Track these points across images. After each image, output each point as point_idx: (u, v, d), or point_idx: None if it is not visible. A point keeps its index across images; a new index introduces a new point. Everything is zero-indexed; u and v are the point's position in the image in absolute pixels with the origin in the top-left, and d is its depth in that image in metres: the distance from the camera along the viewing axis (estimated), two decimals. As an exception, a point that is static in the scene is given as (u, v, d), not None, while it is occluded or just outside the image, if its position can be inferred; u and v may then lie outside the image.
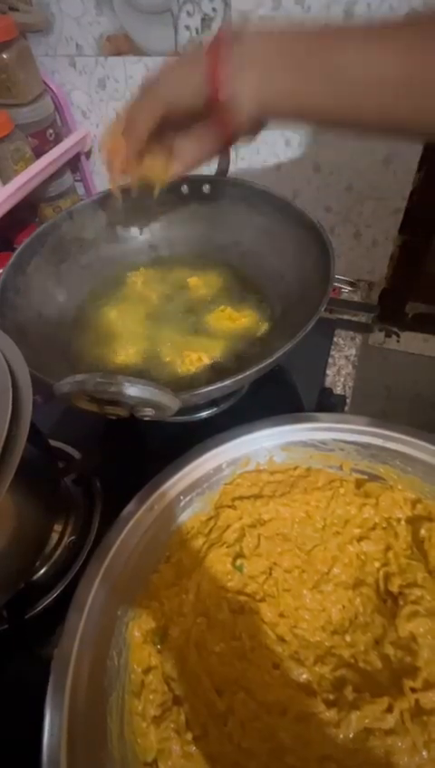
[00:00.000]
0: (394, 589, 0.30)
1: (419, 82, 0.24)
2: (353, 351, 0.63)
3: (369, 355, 0.81)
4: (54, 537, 0.40)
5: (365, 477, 0.36)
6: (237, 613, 0.31)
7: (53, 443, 0.47)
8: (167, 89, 0.30)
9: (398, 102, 0.24)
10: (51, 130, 0.62)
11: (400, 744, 0.25)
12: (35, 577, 0.38)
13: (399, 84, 0.24)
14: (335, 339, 0.64)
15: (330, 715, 0.26)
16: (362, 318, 0.68)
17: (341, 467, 0.36)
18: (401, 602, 0.29)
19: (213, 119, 0.30)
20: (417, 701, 0.26)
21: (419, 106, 0.24)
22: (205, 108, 0.29)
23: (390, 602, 0.30)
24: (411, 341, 0.81)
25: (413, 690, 0.26)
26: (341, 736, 0.26)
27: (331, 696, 0.28)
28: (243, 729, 0.26)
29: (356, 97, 0.25)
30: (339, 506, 0.34)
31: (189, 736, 0.26)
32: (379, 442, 0.35)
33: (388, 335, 0.80)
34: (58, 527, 0.41)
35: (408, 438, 0.34)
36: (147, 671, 0.29)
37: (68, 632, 0.27)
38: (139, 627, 0.30)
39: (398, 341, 0.81)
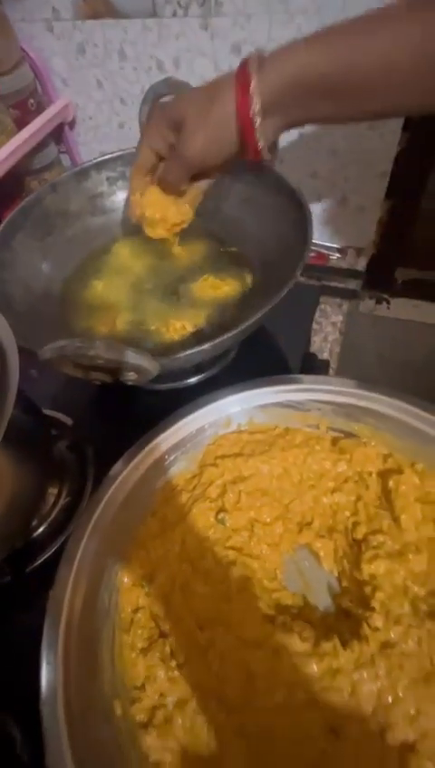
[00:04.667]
0: (359, 536, 0.32)
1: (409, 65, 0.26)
2: (340, 318, 0.64)
3: (359, 322, 0.82)
4: (50, 500, 0.43)
5: (341, 435, 0.38)
6: (229, 565, 0.34)
7: (47, 412, 0.49)
8: (200, 157, 0.31)
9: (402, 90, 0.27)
10: (32, 100, 0.62)
11: (365, 674, 0.28)
12: (34, 535, 0.41)
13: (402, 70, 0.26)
14: (323, 306, 0.64)
15: (304, 647, 0.29)
16: (350, 285, 0.68)
17: (317, 426, 0.38)
18: (363, 548, 0.31)
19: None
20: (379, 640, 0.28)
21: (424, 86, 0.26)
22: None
23: (356, 548, 0.32)
24: (402, 308, 0.81)
25: (376, 629, 0.29)
26: (314, 667, 0.28)
27: (305, 633, 0.30)
28: (221, 659, 0.29)
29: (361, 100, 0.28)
30: (315, 462, 0.36)
31: (173, 664, 0.29)
32: (353, 401, 0.37)
33: (378, 302, 0.80)
34: (53, 490, 0.43)
35: (380, 397, 0.36)
36: (135, 611, 0.32)
37: (61, 577, 0.30)
38: (128, 573, 0.33)
39: (388, 308, 0.81)
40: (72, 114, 0.66)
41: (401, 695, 0.26)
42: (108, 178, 0.53)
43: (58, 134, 0.68)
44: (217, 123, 0.29)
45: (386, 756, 0.25)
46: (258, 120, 0.28)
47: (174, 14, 0.53)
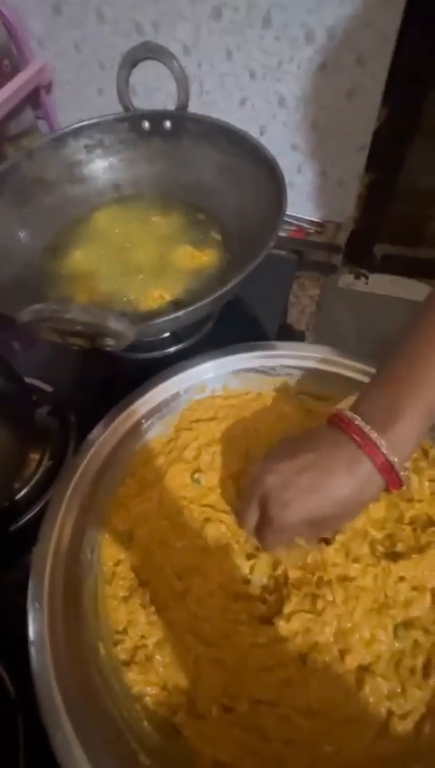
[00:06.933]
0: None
1: None
2: (317, 291, 0.65)
3: (338, 297, 0.83)
4: (32, 464, 0.44)
5: (310, 398, 0.40)
6: (205, 521, 0.36)
7: (28, 380, 0.49)
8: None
9: None
10: (6, 61, 0.60)
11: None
12: (17, 497, 0.42)
13: None
14: (301, 279, 0.66)
15: (271, 598, 0.32)
16: (329, 259, 0.70)
17: (288, 390, 0.40)
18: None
19: None
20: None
21: None
22: None
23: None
24: (380, 283, 0.83)
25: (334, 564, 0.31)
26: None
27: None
28: (198, 602, 0.31)
29: None
30: (284, 422, 0.38)
31: (153, 609, 0.31)
32: (321, 366, 0.39)
33: (357, 277, 0.82)
34: (35, 455, 0.44)
35: (346, 361, 0.39)
36: (117, 564, 0.34)
37: (44, 532, 0.32)
38: (109, 530, 0.35)
39: (366, 283, 0.83)
40: (48, 77, 0.64)
41: (357, 622, 0.29)
42: (86, 146, 0.52)
43: (35, 99, 0.66)
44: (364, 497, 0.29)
45: (345, 677, 0.28)
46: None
47: (152, -26, 0.52)
